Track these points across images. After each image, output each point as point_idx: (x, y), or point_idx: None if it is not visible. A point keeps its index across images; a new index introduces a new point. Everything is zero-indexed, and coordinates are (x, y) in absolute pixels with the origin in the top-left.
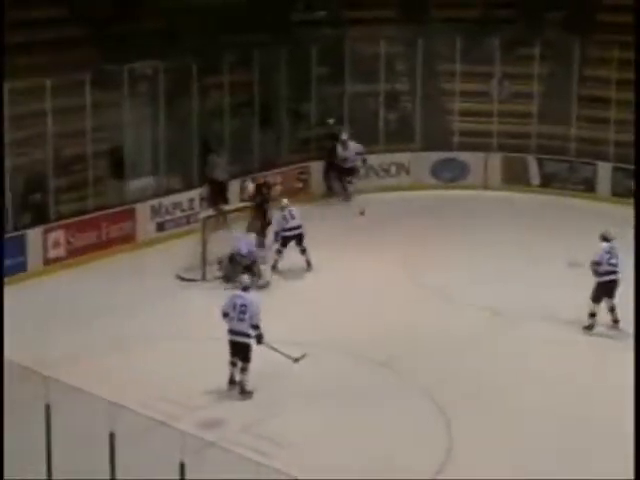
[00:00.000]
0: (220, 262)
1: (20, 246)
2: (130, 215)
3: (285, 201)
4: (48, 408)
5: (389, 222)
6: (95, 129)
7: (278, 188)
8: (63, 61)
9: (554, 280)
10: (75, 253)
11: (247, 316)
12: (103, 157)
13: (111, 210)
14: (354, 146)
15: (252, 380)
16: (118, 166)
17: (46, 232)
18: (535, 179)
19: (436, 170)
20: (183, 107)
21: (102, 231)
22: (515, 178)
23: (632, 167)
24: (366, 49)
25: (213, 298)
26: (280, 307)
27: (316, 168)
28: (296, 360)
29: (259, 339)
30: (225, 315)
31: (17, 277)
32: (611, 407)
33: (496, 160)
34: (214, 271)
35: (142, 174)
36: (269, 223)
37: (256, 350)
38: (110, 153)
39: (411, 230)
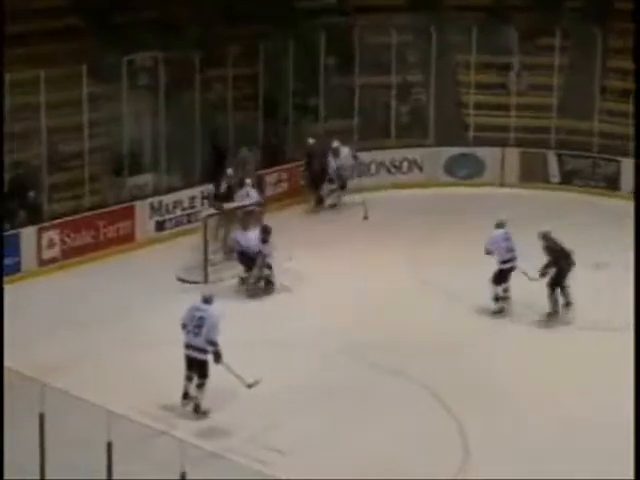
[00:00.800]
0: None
1: (14, 246)
2: (128, 214)
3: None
4: (42, 417)
5: (400, 221)
6: (92, 124)
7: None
8: (59, 52)
9: (575, 282)
10: (71, 254)
11: (204, 330)
12: (100, 153)
13: (108, 209)
14: (347, 152)
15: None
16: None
17: (40, 231)
18: (555, 176)
19: (450, 166)
20: (184, 101)
21: (99, 231)
22: (534, 175)
23: None
24: (376, 39)
25: (216, 301)
26: (287, 308)
27: None
28: (249, 386)
29: (216, 357)
30: (183, 327)
31: (11, 278)
32: (616, 408)
33: (513, 156)
34: (217, 272)
35: (141, 171)
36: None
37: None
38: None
39: (423, 229)
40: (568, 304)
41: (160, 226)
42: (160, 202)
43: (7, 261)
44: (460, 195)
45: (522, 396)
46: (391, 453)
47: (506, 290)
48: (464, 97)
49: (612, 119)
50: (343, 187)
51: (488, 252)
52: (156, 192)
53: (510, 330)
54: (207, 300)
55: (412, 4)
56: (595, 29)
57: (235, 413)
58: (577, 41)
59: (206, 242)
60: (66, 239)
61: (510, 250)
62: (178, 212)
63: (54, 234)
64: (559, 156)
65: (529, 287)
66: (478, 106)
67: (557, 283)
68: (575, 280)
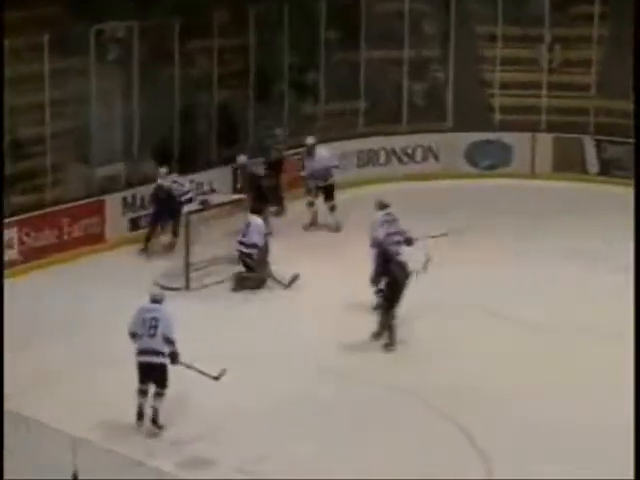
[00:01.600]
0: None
1: None
2: (97, 209)
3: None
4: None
5: (413, 218)
6: (55, 103)
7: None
8: (18, 20)
9: (615, 291)
10: (31, 255)
11: (159, 331)
12: (65, 137)
13: (74, 203)
14: (324, 154)
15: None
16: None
17: None
18: (593, 165)
19: (471, 155)
20: (162, 77)
21: (63, 229)
22: (569, 164)
23: None
24: (386, 7)
25: (199, 310)
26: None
27: None
28: (216, 378)
29: (173, 357)
30: (133, 335)
31: None
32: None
33: (546, 142)
34: (200, 278)
35: (112, 159)
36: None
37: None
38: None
39: (440, 228)
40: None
41: (134, 224)
42: (134, 196)
43: None
44: (483, 188)
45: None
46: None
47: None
48: (488, 74)
49: None
50: (328, 196)
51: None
52: (129, 184)
53: (547, 347)
54: (157, 300)
55: None
56: None
57: (220, 437)
58: (618, 8)
59: (188, 242)
60: (25, 238)
61: (390, 235)
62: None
63: (12, 233)
64: (598, 142)
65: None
66: (504, 85)
67: (393, 299)
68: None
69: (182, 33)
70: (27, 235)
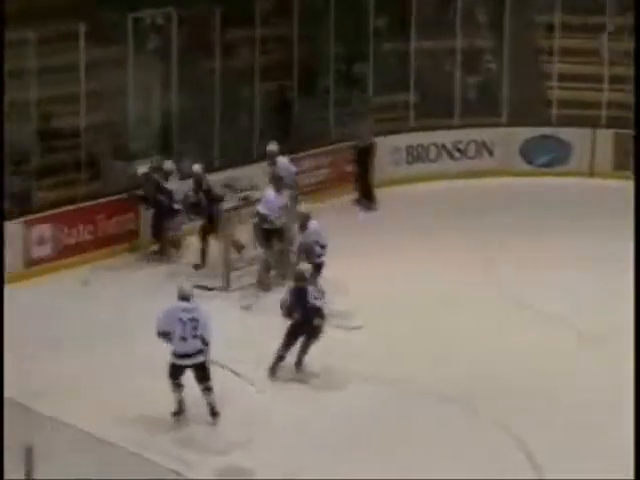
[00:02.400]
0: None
1: None
2: (133, 205)
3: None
4: (30, 451)
5: (465, 218)
6: (91, 94)
7: None
8: (52, 9)
9: None
10: (65, 253)
11: (199, 332)
12: (100, 131)
13: (109, 199)
14: (285, 162)
15: (287, 418)
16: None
17: (28, 225)
18: None
19: (527, 151)
20: (202, 68)
21: (98, 225)
22: (631, 162)
23: None
24: None
25: (239, 311)
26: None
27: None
28: (256, 389)
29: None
30: (165, 335)
31: None
32: None
33: (606, 138)
34: (240, 278)
35: (148, 154)
36: None
37: None
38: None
39: (494, 228)
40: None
41: None
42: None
43: None
44: (540, 186)
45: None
46: None
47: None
48: (545, 66)
49: None
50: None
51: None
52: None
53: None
54: (187, 297)
55: None
56: None
57: (262, 450)
58: None
59: (229, 240)
60: (59, 235)
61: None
62: None
63: (45, 229)
64: None
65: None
66: (562, 77)
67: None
68: None
69: (223, 22)
70: (61, 231)
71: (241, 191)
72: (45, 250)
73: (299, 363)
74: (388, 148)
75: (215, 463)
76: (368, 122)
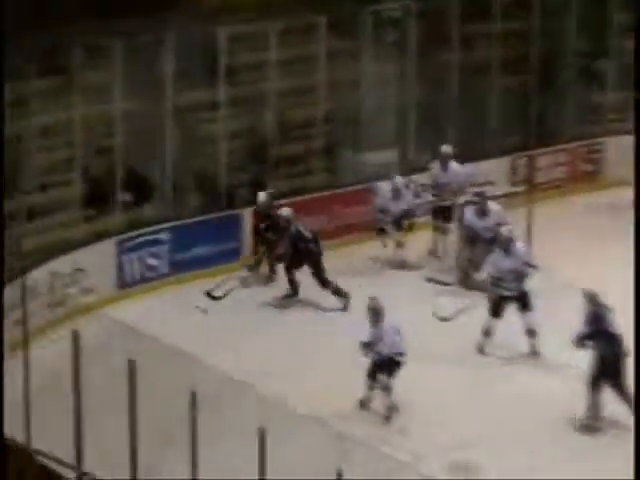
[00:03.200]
0: None
1: (233, 229)
2: (368, 197)
3: None
4: (263, 433)
5: None
6: (326, 85)
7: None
8: (292, 1)
9: None
10: None
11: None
12: (334, 121)
13: (344, 189)
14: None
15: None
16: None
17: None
18: None
19: None
20: (439, 62)
21: (333, 215)
22: None
23: None
24: None
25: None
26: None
27: (614, 145)
28: None
29: None
30: (367, 346)
31: (227, 267)
32: None
33: None
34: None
35: (383, 145)
36: None
37: None
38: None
39: None
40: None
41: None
42: (407, 186)
43: (223, 247)
44: None
45: None
46: None
47: None
48: None
49: None
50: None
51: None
52: (402, 172)
53: None
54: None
55: None
56: None
57: (488, 444)
58: None
59: (462, 234)
60: None
61: None
62: (429, 197)
63: None
64: None
65: None
66: None
67: None
68: None
69: (462, 16)
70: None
71: (478, 185)
72: None
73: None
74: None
75: (444, 458)
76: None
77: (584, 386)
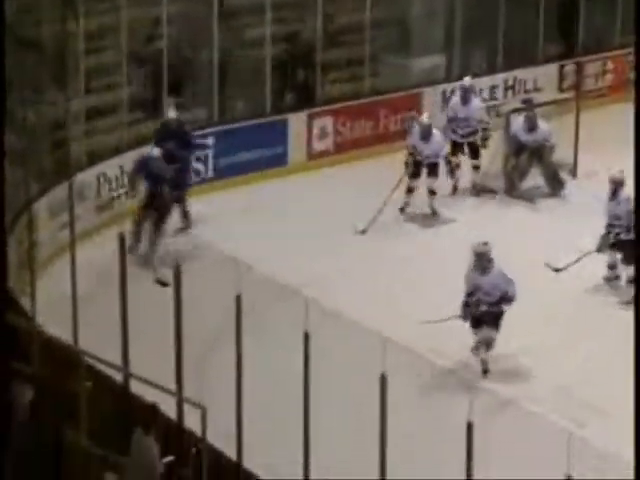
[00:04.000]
0: None
1: (280, 134)
2: (415, 102)
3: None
4: (307, 336)
5: None
6: None
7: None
8: None
9: None
10: (344, 147)
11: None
12: (382, 27)
13: (392, 95)
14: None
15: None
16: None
17: (311, 118)
18: None
19: None
20: None
21: (380, 121)
22: None
23: None
24: None
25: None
26: None
27: None
28: None
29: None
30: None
31: (275, 171)
32: None
33: None
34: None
35: (431, 50)
36: None
37: None
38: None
39: None
40: None
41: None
42: (453, 90)
43: (271, 151)
44: None
45: None
46: None
47: None
48: None
49: None
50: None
51: None
52: (448, 78)
53: None
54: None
55: None
56: None
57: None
58: None
59: (508, 139)
60: (341, 129)
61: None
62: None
63: (327, 122)
64: None
65: None
66: None
67: None
68: None
69: None
70: (343, 125)
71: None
72: (326, 143)
73: None
74: None
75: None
76: None
77: None
